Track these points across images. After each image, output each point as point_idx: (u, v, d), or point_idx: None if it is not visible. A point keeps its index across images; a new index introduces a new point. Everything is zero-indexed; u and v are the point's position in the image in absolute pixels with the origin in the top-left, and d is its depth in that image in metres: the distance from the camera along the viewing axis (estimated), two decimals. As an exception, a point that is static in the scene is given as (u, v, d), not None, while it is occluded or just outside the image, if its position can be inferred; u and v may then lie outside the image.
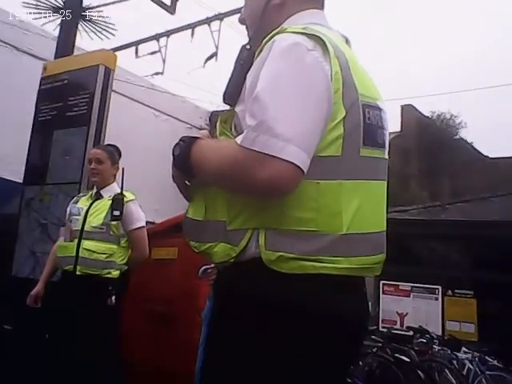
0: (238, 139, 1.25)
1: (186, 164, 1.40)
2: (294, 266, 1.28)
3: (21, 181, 4.90)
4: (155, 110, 13.75)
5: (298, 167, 1.21)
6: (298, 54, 1.28)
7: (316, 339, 1.29)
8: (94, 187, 3.64)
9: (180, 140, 1.44)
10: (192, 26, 7.32)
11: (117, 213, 3.38)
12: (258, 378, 1.28)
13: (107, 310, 3.35)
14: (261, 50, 1.36)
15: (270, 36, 1.35)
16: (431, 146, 17.06)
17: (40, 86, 4.84)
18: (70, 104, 4.40)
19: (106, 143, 4.13)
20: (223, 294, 1.40)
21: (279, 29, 1.37)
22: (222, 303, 1.39)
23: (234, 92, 1.40)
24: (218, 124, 1.46)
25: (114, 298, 3.36)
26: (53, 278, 3.76)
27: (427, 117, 18.56)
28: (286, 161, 1.20)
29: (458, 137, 18.83)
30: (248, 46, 1.45)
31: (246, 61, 1.41)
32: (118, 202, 3.42)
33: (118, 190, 3.56)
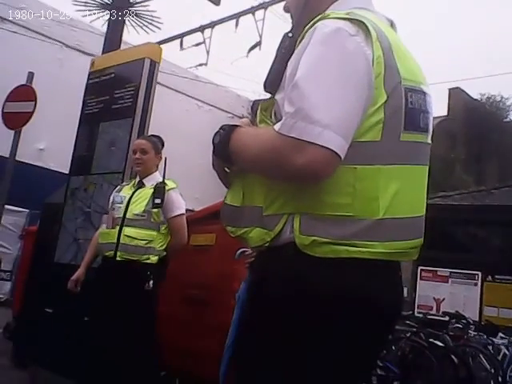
0: (276, 126, 1.27)
1: (225, 151, 1.43)
2: (327, 250, 1.29)
3: (66, 171, 5.05)
4: (198, 101, 13.94)
5: (335, 152, 1.23)
6: (339, 39, 1.29)
7: (348, 322, 1.30)
8: (137, 176, 3.76)
9: (220, 128, 1.47)
10: (236, 16, 7.34)
11: (158, 201, 3.51)
12: (293, 360, 1.30)
13: (145, 294, 3.47)
14: (302, 38, 1.37)
15: (312, 23, 1.36)
16: (478, 130, 16.66)
17: (88, 80, 4.98)
18: (116, 97, 4.52)
19: (149, 134, 4.25)
20: (259, 277, 1.43)
21: (322, 15, 1.37)
22: (258, 286, 1.41)
23: (274, 80, 1.42)
24: (258, 112, 1.49)
25: (151, 282, 3.47)
26: (93, 264, 3.89)
27: (476, 99, 18.13)
28: (323, 146, 1.21)
29: (508, 119, 18.34)
30: (290, 34, 1.46)
31: (287, 49, 1.42)
32: (159, 190, 3.55)
33: (160, 179, 3.67)
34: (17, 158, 6.82)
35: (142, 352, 3.44)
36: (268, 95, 1.46)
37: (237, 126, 1.45)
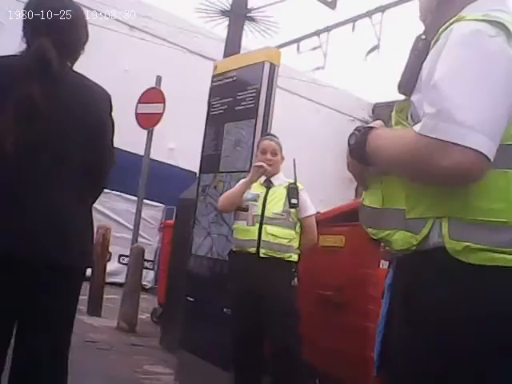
0: (416, 127, 1.26)
1: (362, 152, 1.43)
2: (483, 257, 1.26)
3: (194, 169, 5.33)
4: (317, 104, 13.93)
5: (483, 155, 1.18)
6: (479, 41, 1.26)
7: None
8: (262, 176, 3.87)
9: (355, 130, 1.48)
10: (353, 20, 7.28)
11: (295, 201, 3.65)
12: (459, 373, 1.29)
13: (292, 290, 3.65)
14: (437, 40, 1.36)
15: (447, 25, 1.35)
16: None
17: (211, 83, 5.20)
18: (239, 99, 4.69)
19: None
20: (408, 281, 1.41)
21: (457, 17, 1.35)
22: (409, 290, 1.40)
23: (409, 81, 1.42)
24: (393, 114, 1.49)
25: (296, 279, 3.65)
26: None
27: None
28: (470, 148, 1.18)
29: None
30: (423, 37, 1.46)
31: (421, 51, 1.42)
32: (293, 190, 3.68)
33: (285, 179, 3.83)
34: (150, 157, 7.39)
35: (297, 346, 3.58)
36: (391, 98, 1.56)
37: (372, 127, 1.46)
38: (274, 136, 4.01)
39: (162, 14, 13.58)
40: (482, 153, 1.19)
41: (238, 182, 4.41)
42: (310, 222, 3.80)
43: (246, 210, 3.80)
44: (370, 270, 3.81)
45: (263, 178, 3.86)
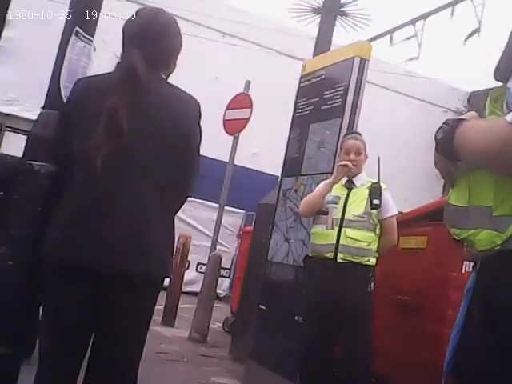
0: (508, 117, 1.18)
1: (449, 147, 1.37)
2: None
3: (277, 174, 5.23)
4: (408, 97, 13.52)
5: None
6: None
7: None
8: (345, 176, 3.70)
9: (443, 123, 1.41)
10: (452, 4, 6.91)
11: (377, 201, 3.49)
12: None
13: (368, 296, 3.48)
14: None
15: None
16: None
17: (299, 84, 5.08)
18: (326, 98, 4.54)
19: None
20: (487, 284, 1.33)
21: None
22: (486, 293, 1.32)
23: (506, 66, 1.31)
24: (487, 103, 1.38)
25: (372, 284, 3.48)
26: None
27: None
28: None
29: None
30: None
31: None
32: (376, 191, 3.52)
33: (367, 179, 3.65)
34: (234, 162, 7.31)
35: (368, 355, 3.44)
36: (489, 85, 1.32)
37: (462, 119, 1.37)
38: (357, 134, 3.85)
39: (253, 18, 13.63)
40: None
41: (318, 184, 4.21)
42: (390, 224, 3.64)
43: (325, 213, 3.64)
44: (452, 272, 3.61)
45: (345, 179, 3.70)
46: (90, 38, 2.43)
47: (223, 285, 11.33)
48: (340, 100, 4.33)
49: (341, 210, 3.57)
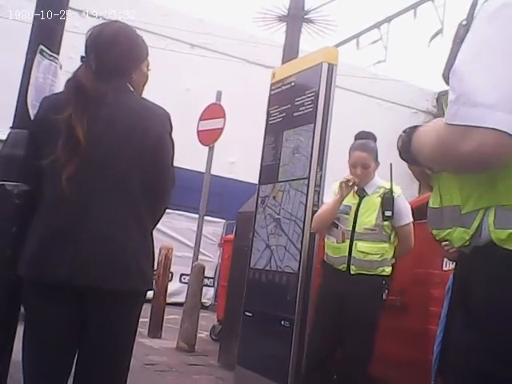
0: (445, 117, 1.21)
1: (408, 154, 1.42)
2: None
3: (255, 181, 5.27)
4: (378, 99, 13.66)
5: (507, 133, 1.11)
6: (504, 15, 1.16)
7: None
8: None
9: (402, 132, 1.46)
10: (415, 6, 7.03)
11: (388, 213, 3.40)
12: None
13: (381, 303, 3.47)
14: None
15: (482, 1, 1.25)
16: None
17: (270, 91, 5.14)
18: (297, 104, 4.59)
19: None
20: (461, 281, 1.36)
21: None
22: (461, 289, 1.34)
23: (448, 73, 1.33)
24: (444, 106, 1.41)
25: (386, 292, 3.45)
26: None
27: None
28: (491, 129, 1.11)
29: None
30: (464, 22, 1.36)
31: (462, 38, 1.31)
32: (388, 201, 3.42)
33: (379, 183, 3.59)
34: (211, 173, 7.33)
35: (368, 359, 3.45)
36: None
37: (418, 126, 1.42)
38: (367, 140, 3.69)
39: (221, 28, 13.71)
40: (505, 132, 1.11)
41: (297, 190, 4.27)
42: (406, 232, 3.55)
43: (336, 226, 3.59)
44: (432, 270, 3.66)
45: (355, 188, 3.61)
46: (55, 55, 2.39)
47: (208, 294, 11.31)
48: (311, 106, 4.38)
49: (351, 221, 3.51)
